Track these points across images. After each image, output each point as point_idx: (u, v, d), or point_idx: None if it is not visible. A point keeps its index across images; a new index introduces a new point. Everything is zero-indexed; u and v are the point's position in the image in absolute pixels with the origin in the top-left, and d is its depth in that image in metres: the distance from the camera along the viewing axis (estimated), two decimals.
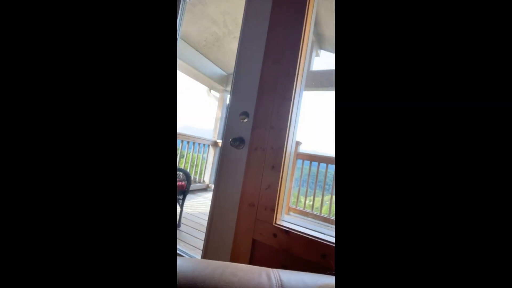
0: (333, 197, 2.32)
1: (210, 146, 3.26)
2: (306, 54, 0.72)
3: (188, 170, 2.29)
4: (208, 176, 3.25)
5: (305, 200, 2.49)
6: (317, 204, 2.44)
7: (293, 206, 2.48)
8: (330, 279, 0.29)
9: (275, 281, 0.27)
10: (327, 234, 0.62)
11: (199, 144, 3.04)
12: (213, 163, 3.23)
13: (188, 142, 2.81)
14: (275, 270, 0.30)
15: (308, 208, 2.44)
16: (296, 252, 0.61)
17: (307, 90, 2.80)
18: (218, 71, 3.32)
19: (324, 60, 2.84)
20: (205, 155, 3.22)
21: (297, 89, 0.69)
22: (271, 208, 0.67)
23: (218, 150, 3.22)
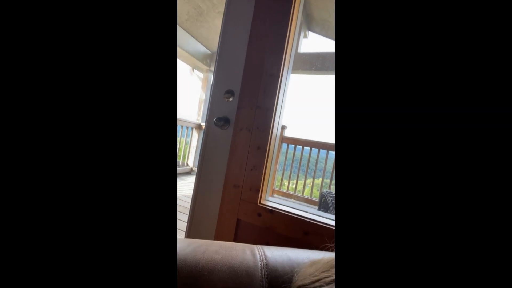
0: (315, 180, 2.41)
1: (194, 129, 3.17)
2: (295, 30, 0.68)
3: None
4: (192, 160, 3.19)
5: (289, 183, 2.57)
6: (300, 187, 2.52)
7: (277, 189, 2.55)
8: (312, 254, 0.29)
9: (260, 256, 0.27)
10: (309, 212, 0.64)
11: (181, 126, 2.93)
12: (197, 147, 3.16)
13: None
14: (259, 246, 0.30)
15: (291, 190, 2.52)
16: (279, 230, 0.63)
17: (294, 73, 2.75)
18: (201, 49, 3.13)
19: (312, 42, 2.78)
20: (188, 139, 3.13)
21: (285, 67, 0.66)
22: (256, 189, 0.67)
23: (201, 133, 3.14)
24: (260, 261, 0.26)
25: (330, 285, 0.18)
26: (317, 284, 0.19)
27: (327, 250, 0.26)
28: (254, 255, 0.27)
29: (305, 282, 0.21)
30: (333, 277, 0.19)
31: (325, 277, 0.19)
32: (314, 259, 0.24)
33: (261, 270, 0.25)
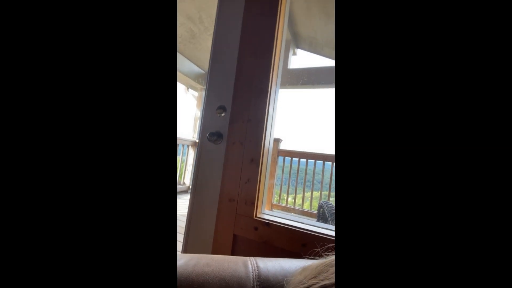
0: (314, 192, 2.39)
1: (190, 146, 3.17)
2: (281, 45, 0.72)
3: None
4: (188, 178, 3.15)
5: (287, 197, 2.53)
6: (299, 200, 2.49)
7: (277, 203, 2.51)
8: (305, 262, 0.28)
9: (252, 268, 0.26)
10: (306, 223, 0.63)
11: (177, 144, 2.93)
12: (193, 164, 3.14)
13: None
14: (252, 258, 0.29)
15: (290, 204, 2.48)
16: (277, 243, 0.61)
17: (285, 88, 2.85)
18: (195, 69, 3.23)
19: (301, 59, 2.90)
20: (184, 157, 3.12)
21: (273, 82, 0.69)
22: (251, 202, 0.66)
23: None
24: (252, 272, 0.26)
25: None
26: None
27: (316, 254, 0.26)
28: (246, 266, 0.26)
29: None
30: (321, 284, 0.19)
31: (313, 284, 0.19)
32: (305, 266, 0.24)
33: (253, 280, 0.25)
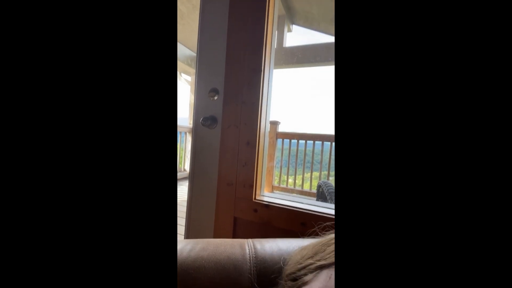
0: (314, 172, 2.42)
1: (187, 133, 3.15)
2: (273, 23, 0.67)
3: None
4: (188, 164, 3.17)
5: (287, 178, 2.57)
6: (300, 181, 2.53)
7: (277, 185, 2.55)
8: (303, 241, 0.28)
9: (249, 249, 0.26)
10: (305, 203, 0.64)
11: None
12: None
13: None
14: (250, 240, 0.29)
15: (291, 185, 2.53)
16: (276, 224, 0.63)
17: (282, 67, 2.75)
18: (186, 51, 3.10)
19: (296, 36, 2.77)
20: (183, 145, 3.11)
21: (266, 60, 0.66)
22: (250, 185, 0.66)
23: None
24: (249, 254, 0.26)
25: (315, 273, 0.18)
26: (302, 272, 0.19)
27: (314, 233, 0.26)
28: (243, 248, 0.26)
29: (292, 270, 0.20)
30: (317, 264, 0.18)
31: (309, 264, 0.19)
32: (303, 246, 0.24)
33: (250, 262, 0.24)
